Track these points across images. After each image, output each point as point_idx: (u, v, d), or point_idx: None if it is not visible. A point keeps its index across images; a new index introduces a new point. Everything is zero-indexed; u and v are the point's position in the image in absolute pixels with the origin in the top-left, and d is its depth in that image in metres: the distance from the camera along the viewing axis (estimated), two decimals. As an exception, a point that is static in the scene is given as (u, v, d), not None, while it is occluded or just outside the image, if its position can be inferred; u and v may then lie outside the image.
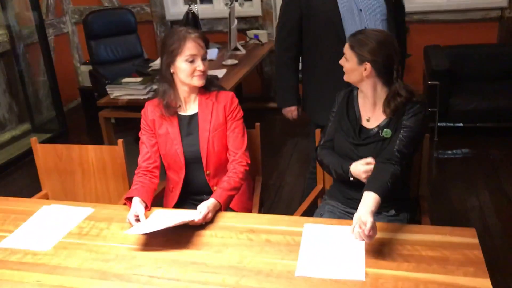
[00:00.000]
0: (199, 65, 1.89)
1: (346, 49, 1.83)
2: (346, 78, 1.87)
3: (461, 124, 3.97)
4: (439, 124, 3.93)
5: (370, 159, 1.77)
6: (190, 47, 1.87)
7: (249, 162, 2.01)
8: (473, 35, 4.38)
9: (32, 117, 4.73)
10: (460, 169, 3.54)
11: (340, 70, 1.89)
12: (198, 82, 1.93)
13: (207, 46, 1.94)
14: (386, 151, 1.79)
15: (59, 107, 4.72)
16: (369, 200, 1.59)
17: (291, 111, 2.58)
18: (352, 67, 1.81)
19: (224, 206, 1.85)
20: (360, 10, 2.28)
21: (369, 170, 1.74)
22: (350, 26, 2.28)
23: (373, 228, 1.50)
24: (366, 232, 1.48)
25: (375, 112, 1.87)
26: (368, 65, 1.77)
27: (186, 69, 1.89)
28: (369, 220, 1.50)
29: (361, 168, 1.77)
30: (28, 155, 4.23)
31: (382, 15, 2.29)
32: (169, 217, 1.76)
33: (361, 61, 1.78)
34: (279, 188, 3.48)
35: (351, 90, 1.96)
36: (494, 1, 4.29)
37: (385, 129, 1.82)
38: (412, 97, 1.80)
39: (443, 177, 3.43)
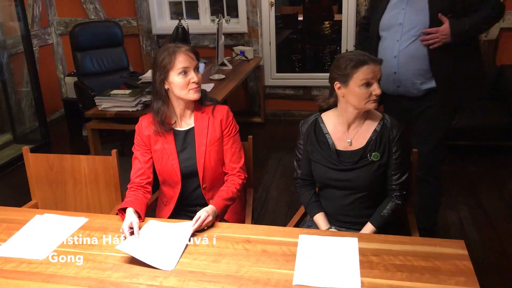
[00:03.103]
0: (193, 76, 1.90)
1: (379, 71, 1.80)
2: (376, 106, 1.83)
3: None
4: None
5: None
6: (181, 60, 1.89)
7: (246, 176, 2.04)
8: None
9: (14, 128, 4.68)
10: (440, 185, 3.63)
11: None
12: (194, 95, 1.93)
13: (198, 59, 1.96)
14: (387, 183, 1.90)
15: (43, 118, 4.68)
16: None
17: None
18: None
19: (220, 215, 1.88)
20: (400, 23, 2.37)
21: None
22: (387, 38, 2.42)
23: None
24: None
25: (357, 133, 1.89)
26: None
27: (180, 82, 1.90)
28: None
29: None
30: (10, 166, 4.18)
31: (418, 30, 2.32)
32: (163, 231, 1.77)
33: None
34: (264, 202, 3.51)
35: (315, 119, 1.96)
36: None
37: (373, 153, 1.86)
38: None
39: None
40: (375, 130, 1.87)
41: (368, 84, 1.77)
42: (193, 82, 1.91)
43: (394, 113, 2.39)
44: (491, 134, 4.01)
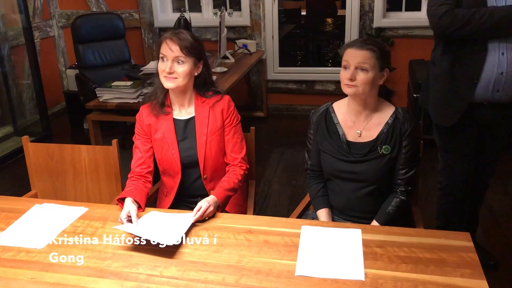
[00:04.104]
0: (166, 66, 1.86)
1: (369, 57, 1.74)
2: (359, 91, 1.76)
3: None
4: (423, 136, 4.00)
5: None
6: (163, 47, 1.88)
7: (248, 166, 2.02)
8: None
9: (15, 120, 4.65)
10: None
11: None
12: (165, 83, 1.90)
13: (188, 52, 1.86)
14: (393, 177, 1.87)
15: (44, 111, 4.65)
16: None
17: None
18: (374, 76, 1.76)
19: (222, 206, 1.85)
20: None
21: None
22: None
23: None
24: None
25: (368, 124, 1.86)
26: (387, 71, 1.80)
27: (158, 68, 1.90)
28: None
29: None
30: (10, 158, 4.16)
31: None
32: (163, 219, 1.74)
33: (381, 68, 1.78)
34: (266, 196, 3.49)
35: (326, 109, 1.94)
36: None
37: (384, 146, 1.83)
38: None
39: (428, 188, 3.49)
40: (387, 122, 1.84)
41: (346, 68, 1.78)
42: (164, 71, 1.87)
43: (468, 126, 2.24)
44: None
